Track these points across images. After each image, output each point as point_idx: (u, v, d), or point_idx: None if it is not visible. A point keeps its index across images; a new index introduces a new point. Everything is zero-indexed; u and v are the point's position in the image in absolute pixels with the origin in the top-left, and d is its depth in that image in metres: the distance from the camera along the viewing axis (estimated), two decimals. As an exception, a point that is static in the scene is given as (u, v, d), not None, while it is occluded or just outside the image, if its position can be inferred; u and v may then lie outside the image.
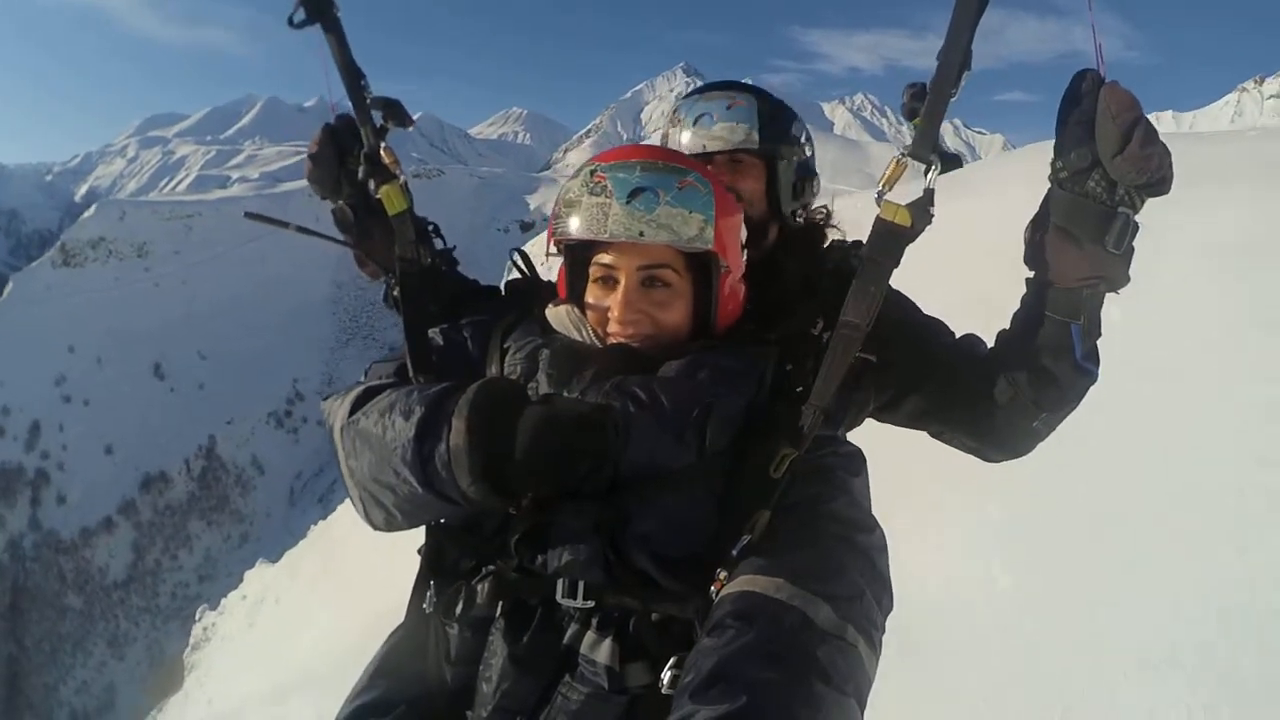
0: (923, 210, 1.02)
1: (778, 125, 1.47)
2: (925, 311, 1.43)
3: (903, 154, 1.04)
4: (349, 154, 1.36)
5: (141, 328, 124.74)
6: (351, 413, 1.11)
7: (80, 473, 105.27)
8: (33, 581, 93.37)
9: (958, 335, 1.37)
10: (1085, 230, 1.04)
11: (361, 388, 1.16)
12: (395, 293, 1.35)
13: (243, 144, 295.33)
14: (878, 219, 1.04)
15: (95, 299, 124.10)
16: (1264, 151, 9.02)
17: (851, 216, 1.58)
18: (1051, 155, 1.07)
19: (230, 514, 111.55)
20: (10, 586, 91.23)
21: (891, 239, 1.03)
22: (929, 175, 1.03)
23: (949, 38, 0.99)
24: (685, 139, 1.46)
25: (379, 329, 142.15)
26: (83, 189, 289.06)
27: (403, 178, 1.33)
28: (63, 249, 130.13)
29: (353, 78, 1.33)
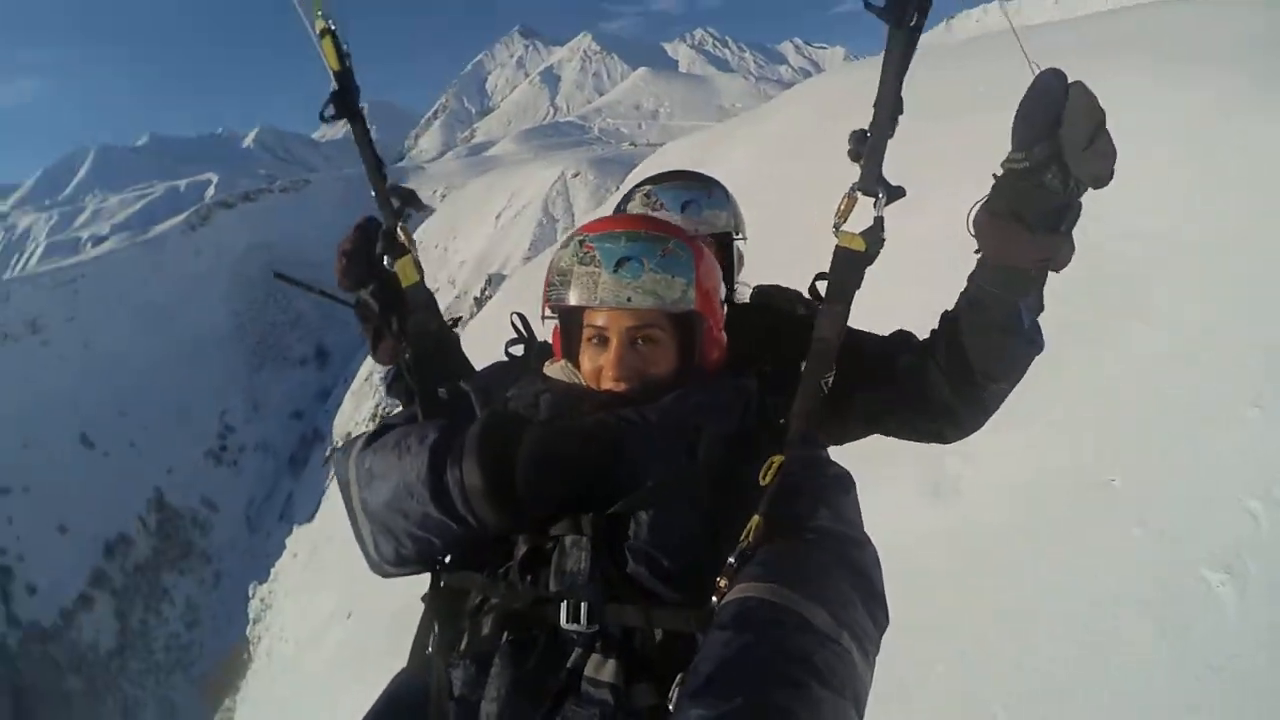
0: (875, 236, 1.14)
1: (738, 211, 1.69)
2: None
3: (853, 189, 1.15)
4: (374, 248, 1.45)
5: (57, 402, 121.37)
6: (366, 445, 1.17)
7: (42, 559, 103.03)
8: (28, 678, 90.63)
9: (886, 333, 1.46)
10: (1040, 219, 1.09)
11: (377, 426, 1.25)
12: (408, 358, 1.43)
13: (84, 200, 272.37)
14: (837, 248, 1.15)
15: (1, 386, 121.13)
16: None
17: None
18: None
19: (198, 557, 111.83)
20: (9, 690, 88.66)
21: (851, 263, 1.15)
22: (876, 205, 1.15)
23: (881, 89, 1.10)
24: (677, 222, 1.55)
25: (286, 345, 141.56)
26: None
27: (414, 254, 1.44)
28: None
29: (376, 165, 1.46)
